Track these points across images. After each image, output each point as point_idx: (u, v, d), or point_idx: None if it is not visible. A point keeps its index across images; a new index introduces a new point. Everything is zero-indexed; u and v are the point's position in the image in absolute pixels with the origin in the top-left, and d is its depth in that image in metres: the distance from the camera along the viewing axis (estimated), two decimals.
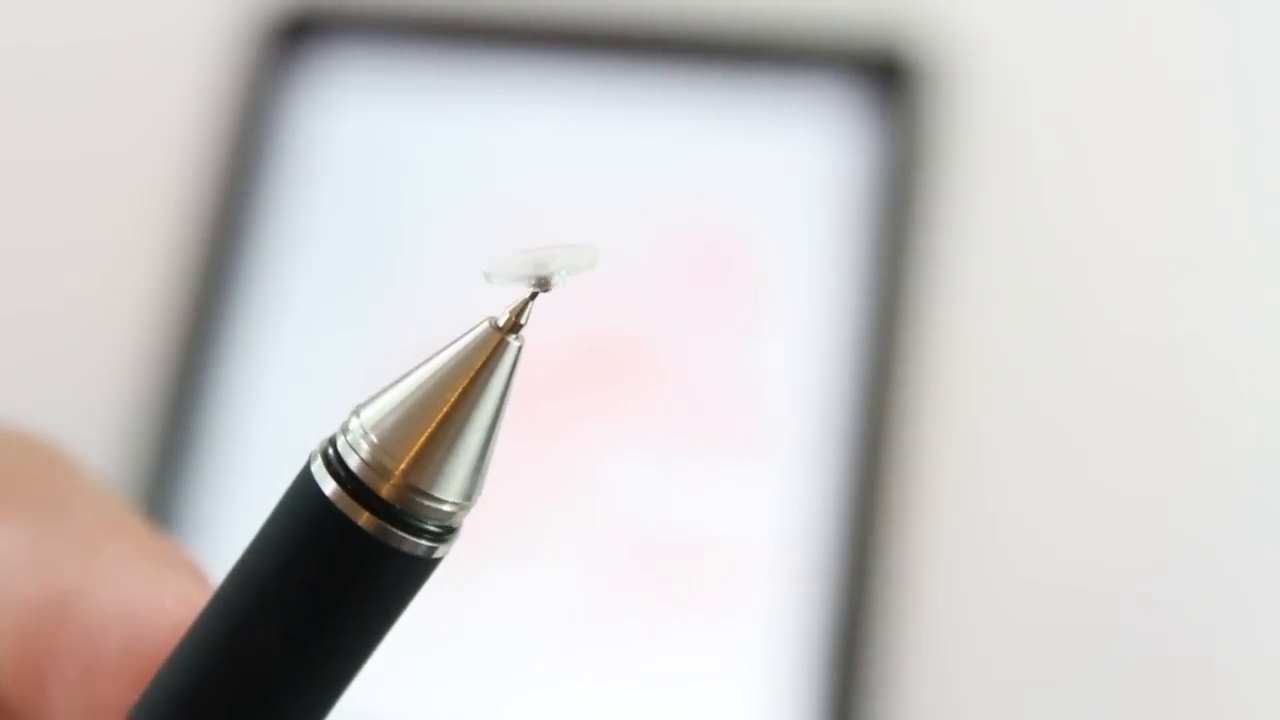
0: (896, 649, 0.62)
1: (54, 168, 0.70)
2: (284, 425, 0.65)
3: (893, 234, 0.64)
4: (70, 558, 0.24)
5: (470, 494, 0.20)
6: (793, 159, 0.66)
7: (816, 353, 0.64)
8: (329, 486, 0.20)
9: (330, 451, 0.20)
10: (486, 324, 0.20)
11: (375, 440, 0.20)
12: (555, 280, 0.20)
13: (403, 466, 0.20)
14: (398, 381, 0.20)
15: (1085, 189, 0.65)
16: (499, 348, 0.20)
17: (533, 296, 0.20)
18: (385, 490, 0.20)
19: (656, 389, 0.65)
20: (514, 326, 0.20)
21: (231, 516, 0.63)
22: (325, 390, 0.65)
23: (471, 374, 0.20)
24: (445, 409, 0.20)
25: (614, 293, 0.66)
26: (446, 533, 0.20)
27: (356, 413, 0.20)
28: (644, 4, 0.67)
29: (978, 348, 0.64)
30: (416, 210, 0.67)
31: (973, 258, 0.65)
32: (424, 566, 0.21)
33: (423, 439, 0.20)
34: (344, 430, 0.20)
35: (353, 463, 0.20)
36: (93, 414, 0.65)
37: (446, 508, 0.20)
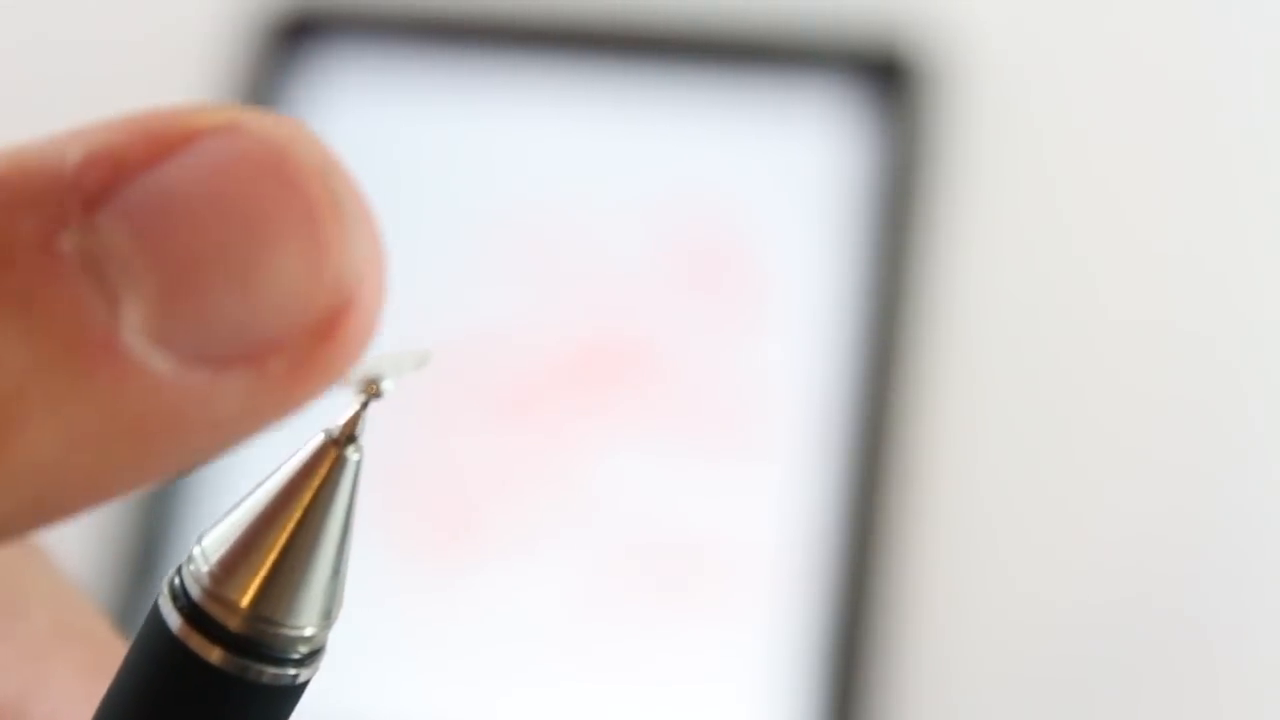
0: (896, 649, 0.62)
1: None
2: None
3: (893, 234, 0.64)
4: (16, 666, 0.23)
5: (328, 615, 0.19)
6: (793, 159, 0.66)
7: (816, 353, 0.64)
8: (175, 623, 0.19)
9: (176, 583, 0.19)
10: (321, 438, 0.19)
11: (216, 571, 0.19)
12: (385, 386, 0.19)
13: (249, 598, 0.19)
14: (237, 505, 0.19)
15: (1085, 188, 0.65)
16: (337, 463, 0.19)
17: (364, 405, 0.19)
18: (234, 624, 0.19)
19: (656, 389, 0.65)
20: (349, 439, 0.19)
21: None
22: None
23: (310, 494, 0.19)
24: (286, 535, 0.19)
25: (614, 293, 0.66)
26: (310, 656, 0.19)
27: (198, 540, 0.19)
28: (644, 4, 0.67)
29: (977, 347, 0.64)
30: (416, 210, 0.67)
31: (972, 257, 0.65)
32: (291, 693, 0.20)
33: (266, 568, 0.19)
34: (188, 560, 0.19)
35: (197, 595, 0.19)
36: None
37: (306, 633, 0.19)
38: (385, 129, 0.68)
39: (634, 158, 0.67)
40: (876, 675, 0.62)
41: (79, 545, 0.63)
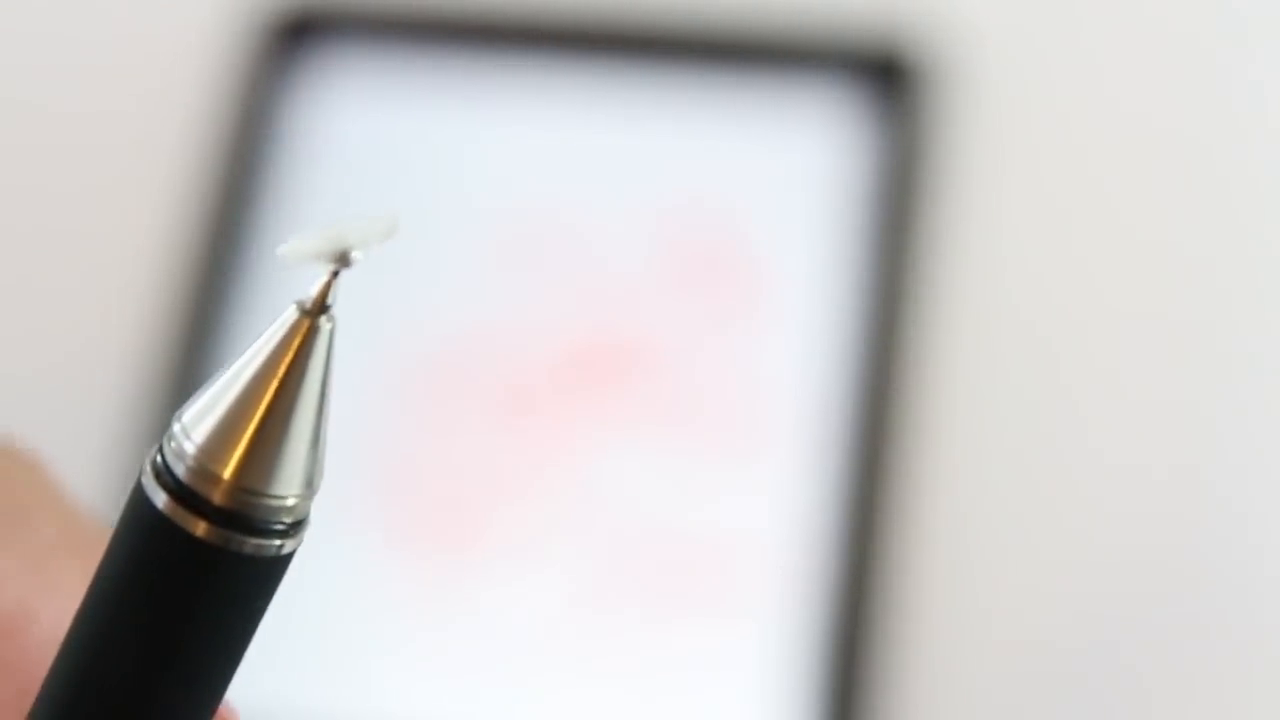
0: (896, 648, 0.62)
1: (52, 168, 0.70)
2: None
3: (893, 234, 0.64)
4: (20, 575, 0.23)
5: (310, 483, 0.20)
6: (793, 159, 0.66)
7: (816, 353, 0.64)
8: (160, 499, 0.19)
9: (159, 460, 0.19)
10: (293, 309, 0.20)
11: (199, 445, 0.19)
12: (354, 255, 0.19)
13: (231, 470, 0.19)
14: (214, 380, 0.20)
15: (1085, 188, 0.65)
16: (310, 332, 0.19)
17: (335, 275, 0.19)
18: (218, 496, 0.19)
19: (656, 389, 0.65)
20: (321, 308, 0.19)
21: None
22: None
23: (286, 364, 0.19)
24: (264, 404, 0.19)
25: (614, 293, 0.66)
26: (294, 526, 0.20)
27: (178, 417, 0.19)
28: (644, 4, 0.67)
29: (978, 347, 0.64)
30: (416, 210, 0.67)
31: (972, 257, 0.65)
32: (277, 564, 0.20)
33: (246, 439, 0.19)
34: (169, 438, 0.19)
35: (180, 471, 0.19)
36: (88, 415, 0.65)
37: (289, 502, 0.19)
38: (385, 129, 0.68)
39: (633, 157, 0.67)
40: (876, 675, 0.62)
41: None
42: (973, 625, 0.63)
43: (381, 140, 0.68)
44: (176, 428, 0.19)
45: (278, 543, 0.19)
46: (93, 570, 0.21)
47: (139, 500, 0.19)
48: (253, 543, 0.19)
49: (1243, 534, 0.63)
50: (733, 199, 0.66)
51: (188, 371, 0.65)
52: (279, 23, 0.69)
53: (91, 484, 0.64)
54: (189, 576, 0.19)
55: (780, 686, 0.62)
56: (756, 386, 0.64)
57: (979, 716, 0.63)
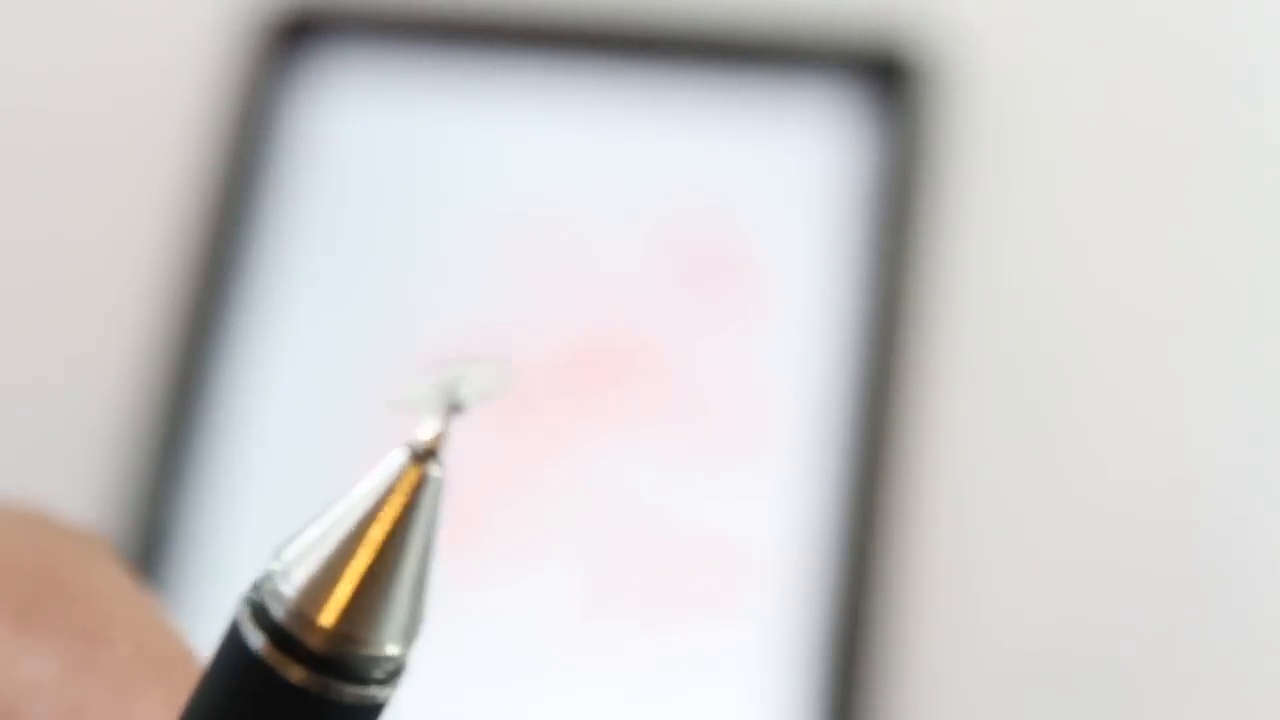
0: (896, 649, 0.62)
1: (51, 168, 0.70)
2: (284, 428, 0.65)
3: (893, 234, 0.64)
4: (100, 702, 0.22)
5: (409, 634, 0.19)
6: (792, 159, 0.66)
7: (816, 353, 0.64)
8: (257, 640, 0.19)
9: (255, 600, 0.19)
10: (403, 456, 0.19)
11: (299, 588, 0.19)
12: (467, 400, 0.19)
13: (332, 617, 0.19)
14: (317, 520, 0.19)
15: (1086, 188, 0.65)
16: (419, 482, 0.19)
17: (447, 422, 0.19)
18: (316, 642, 0.19)
19: (656, 389, 0.65)
20: (431, 454, 0.19)
21: (230, 529, 0.63)
22: (325, 390, 0.65)
23: (394, 513, 0.19)
24: (369, 552, 0.19)
25: (614, 293, 0.66)
26: (392, 675, 0.19)
27: (277, 556, 0.19)
28: (644, 4, 0.67)
29: (978, 348, 0.64)
30: (417, 210, 0.67)
31: (973, 258, 0.65)
32: (372, 712, 0.19)
33: (349, 586, 0.19)
34: (267, 577, 0.19)
35: (277, 614, 0.19)
36: (86, 419, 0.65)
37: (388, 651, 0.19)
38: (385, 129, 0.68)
39: (634, 158, 0.67)
40: (876, 676, 0.62)
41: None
42: (973, 626, 0.63)
43: (381, 140, 0.68)
44: (276, 567, 0.19)
45: (374, 691, 0.19)
46: (173, 696, 0.20)
47: (233, 639, 0.19)
48: (350, 691, 0.19)
49: (1244, 536, 0.63)
50: (733, 199, 0.66)
51: (187, 374, 0.65)
52: (279, 23, 0.69)
53: (88, 489, 0.64)
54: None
55: (780, 687, 0.62)
56: (756, 387, 0.64)
57: (979, 717, 0.63)
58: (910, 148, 0.65)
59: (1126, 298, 0.65)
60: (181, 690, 0.21)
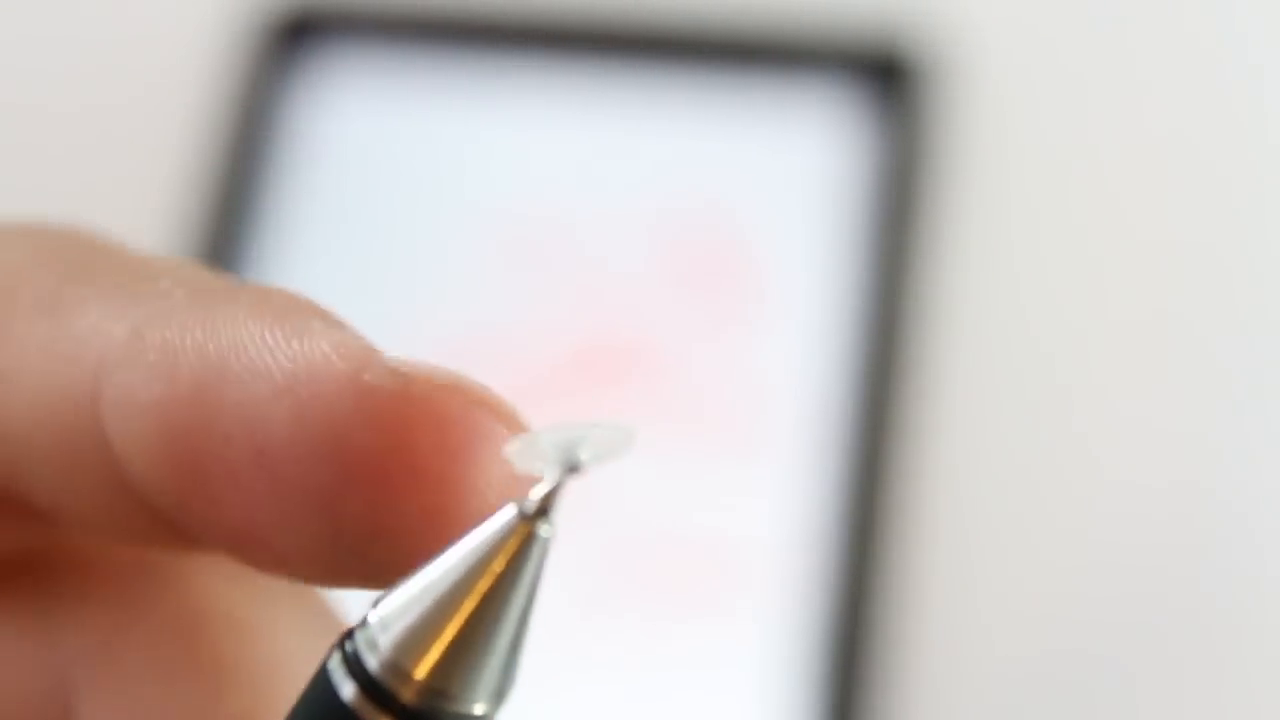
0: (896, 649, 0.62)
1: (51, 167, 0.70)
2: None
3: (893, 234, 0.64)
4: (196, 337, 0.20)
5: (500, 693, 0.19)
6: (792, 159, 0.66)
7: (816, 353, 0.64)
8: (348, 690, 0.18)
9: (348, 648, 0.19)
10: (513, 513, 0.19)
11: (395, 641, 0.18)
12: (584, 462, 0.19)
13: (426, 671, 0.18)
14: (418, 572, 0.19)
15: (1086, 188, 0.65)
16: (527, 540, 0.19)
17: (561, 481, 0.19)
18: (408, 696, 0.18)
19: (656, 389, 0.65)
20: (542, 514, 0.19)
21: None
22: None
23: (499, 570, 0.19)
24: (469, 609, 0.18)
25: (614, 293, 0.66)
26: None
27: (375, 606, 0.19)
28: (644, 4, 0.67)
29: (978, 348, 0.64)
30: (417, 210, 0.67)
31: (973, 258, 0.65)
32: None
33: (446, 642, 0.18)
34: (362, 625, 0.19)
35: (371, 664, 0.18)
36: None
37: (477, 710, 0.19)
38: (385, 129, 0.68)
39: (634, 157, 0.67)
40: (876, 676, 0.62)
41: None
42: (973, 626, 0.63)
43: (381, 140, 0.68)
44: (373, 618, 0.19)
45: None
46: (261, 303, 0.19)
47: (323, 687, 0.19)
48: None
49: (1244, 536, 0.63)
50: (733, 199, 0.66)
51: None
52: (279, 23, 0.69)
53: None
54: None
55: (780, 687, 0.62)
56: (757, 387, 0.64)
57: (979, 717, 0.63)
58: (910, 148, 0.65)
59: (1127, 297, 0.65)
60: (231, 313, 0.20)
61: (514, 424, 0.20)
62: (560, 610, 0.62)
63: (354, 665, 0.19)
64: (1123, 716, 0.63)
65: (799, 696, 0.61)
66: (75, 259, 0.22)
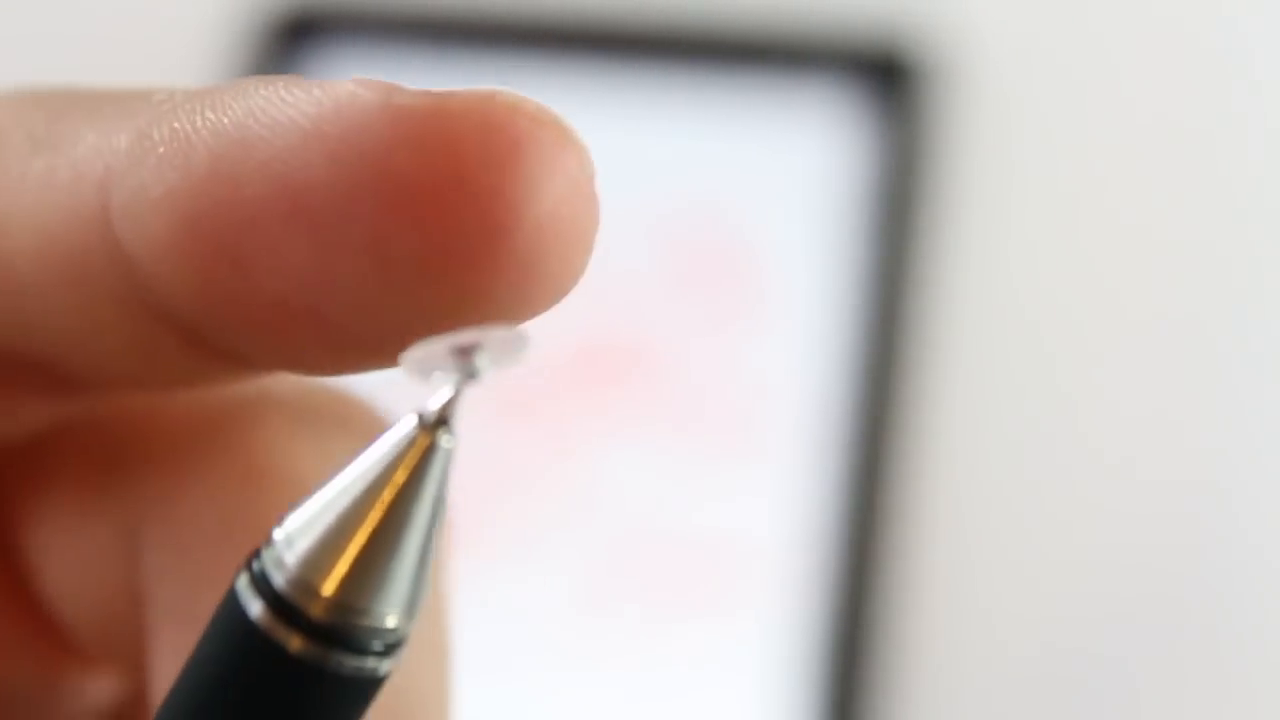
0: (896, 648, 0.62)
1: None
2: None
3: (893, 234, 0.64)
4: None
5: (411, 606, 0.19)
6: (793, 160, 0.66)
7: (816, 353, 0.64)
8: (255, 608, 0.18)
9: (255, 567, 0.18)
10: (412, 423, 0.18)
11: (301, 556, 0.18)
12: (481, 368, 0.18)
13: (333, 585, 0.18)
14: (321, 488, 0.18)
15: (1086, 188, 0.65)
16: (429, 451, 0.18)
17: (459, 389, 0.18)
18: (317, 612, 0.18)
19: (657, 389, 0.65)
20: (442, 423, 0.18)
21: None
22: None
23: (401, 481, 0.18)
24: (374, 522, 0.18)
25: (614, 293, 0.66)
26: (390, 648, 0.19)
27: (280, 524, 0.18)
28: (644, 4, 0.67)
29: (978, 347, 0.64)
30: None
31: (973, 258, 0.65)
32: (370, 685, 0.19)
33: (351, 554, 0.18)
34: (268, 543, 0.18)
35: (278, 581, 0.18)
36: None
37: (389, 624, 0.18)
38: None
39: (634, 158, 0.67)
40: (876, 675, 0.62)
41: None
42: (973, 626, 0.63)
43: None
44: (278, 534, 0.18)
45: (373, 664, 0.19)
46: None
47: (231, 608, 0.19)
48: (349, 662, 0.18)
49: (1245, 535, 0.63)
50: (733, 199, 0.66)
51: None
52: (279, 23, 0.69)
53: None
54: (279, 692, 0.18)
55: (781, 687, 0.62)
56: (757, 386, 0.64)
57: (979, 716, 0.63)
58: (910, 148, 0.65)
59: (1127, 297, 0.65)
60: (240, 89, 0.19)
61: (557, 130, 0.19)
62: (561, 609, 0.62)
63: (261, 584, 0.18)
64: (1123, 716, 0.63)
65: (799, 695, 0.61)
66: (63, 99, 0.20)
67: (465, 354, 0.18)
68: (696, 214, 0.66)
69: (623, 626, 0.63)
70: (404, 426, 0.18)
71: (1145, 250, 0.65)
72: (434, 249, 0.18)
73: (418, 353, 0.18)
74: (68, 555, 0.23)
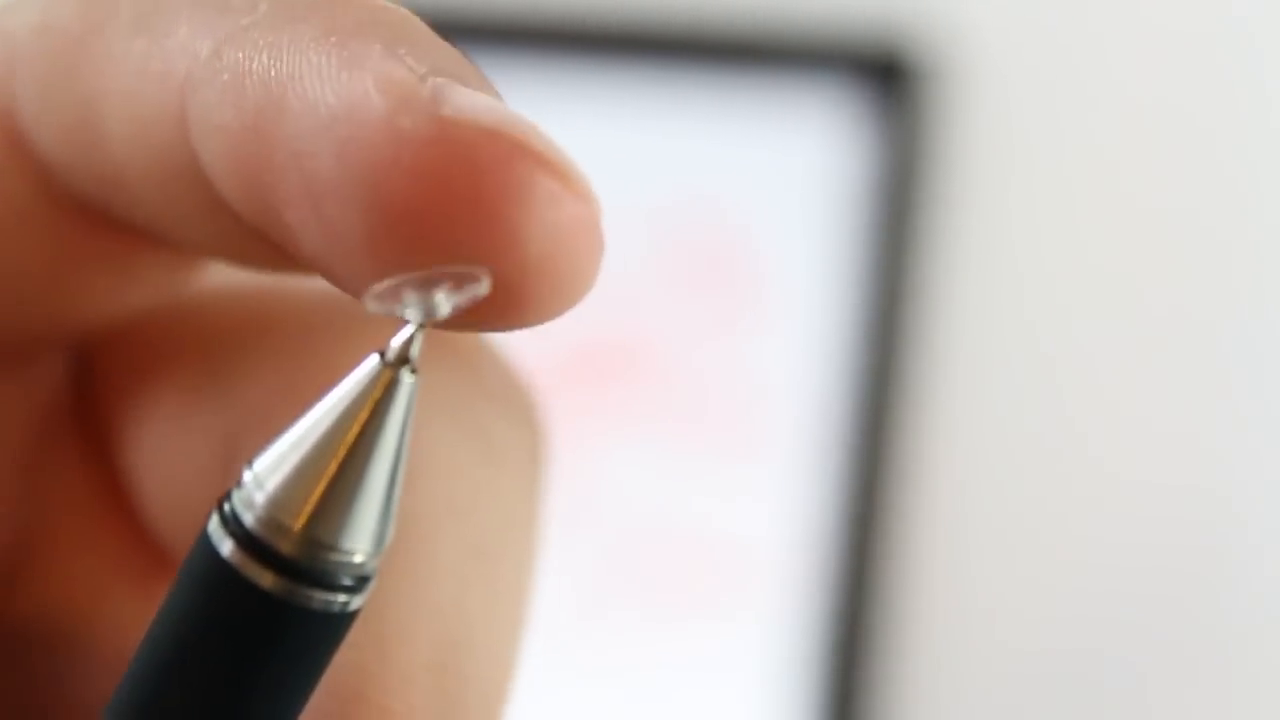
0: (896, 648, 0.62)
1: None
2: None
3: (893, 234, 0.64)
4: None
5: (380, 541, 0.19)
6: (792, 159, 0.66)
7: (816, 353, 0.64)
8: (226, 547, 0.19)
9: (226, 508, 0.19)
10: (375, 360, 0.19)
11: (270, 494, 0.19)
12: (441, 310, 0.19)
13: (301, 521, 0.19)
14: (288, 428, 0.19)
15: (1085, 188, 0.65)
16: (391, 386, 0.19)
17: (420, 328, 0.19)
18: (286, 547, 0.19)
19: (657, 389, 0.65)
20: (403, 361, 0.19)
21: None
22: None
23: (364, 418, 0.19)
24: (340, 457, 0.19)
25: (615, 293, 0.66)
26: (360, 582, 0.19)
27: (249, 465, 0.19)
28: (644, 4, 0.67)
29: (977, 347, 0.64)
30: None
31: (972, 257, 0.65)
32: (341, 620, 0.19)
33: (319, 491, 0.19)
34: (239, 484, 0.19)
35: (248, 520, 0.19)
36: None
37: (357, 558, 0.19)
38: None
39: (634, 157, 0.67)
40: (876, 675, 0.62)
41: None
42: (972, 626, 0.63)
43: None
44: (247, 476, 0.19)
45: (343, 598, 0.19)
46: (328, 25, 0.19)
47: (203, 546, 0.19)
48: (319, 597, 0.19)
49: (1243, 534, 0.63)
50: (733, 199, 0.66)
51: None
52: None
53: None
54: (253, 628, 0.19)
55: (781, 686, 0.62)
56: (757, 386, 0.64)
57: (979, 717, 0.63)
58: (910, 148, 0.65)
59: (1126, 297, 0.65)
60: (299, 34, 0.19)
61: (559, 171, 0.20)
62: (561, 608, 0.62)
63: (232, 524, 0.19)
64: (1122, 715, 0.63)
65: (799, 695, 0.61)
66: None
67: (426, 290, 0.19)
68: (696, 213, 0.66)
69: (623, 626, 0.63)
70: (366, 365, 0.19)
71: (1144, 249, 0.65)
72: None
73: (381, 288, 0.19)
74: (167, 461, 0.23)
